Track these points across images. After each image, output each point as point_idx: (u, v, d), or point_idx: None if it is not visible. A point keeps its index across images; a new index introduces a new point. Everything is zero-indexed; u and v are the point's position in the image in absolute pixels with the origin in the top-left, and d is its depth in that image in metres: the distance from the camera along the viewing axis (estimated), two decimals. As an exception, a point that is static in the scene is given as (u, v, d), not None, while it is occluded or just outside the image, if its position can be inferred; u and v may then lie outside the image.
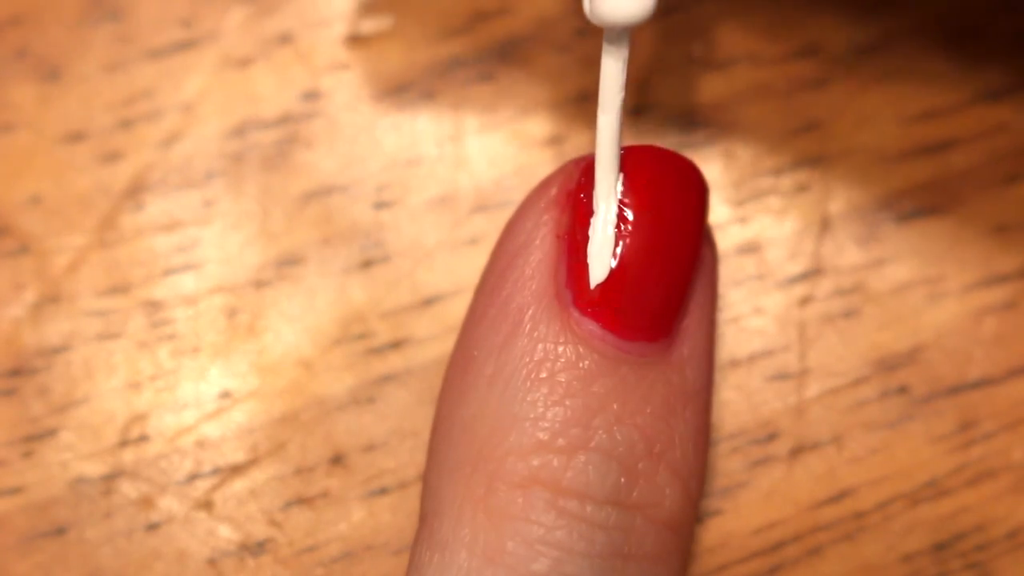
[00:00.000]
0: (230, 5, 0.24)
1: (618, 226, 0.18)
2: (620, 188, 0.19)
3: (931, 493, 0.22)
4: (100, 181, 0.23)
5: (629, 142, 0.23)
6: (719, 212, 0.23)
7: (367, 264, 0.23)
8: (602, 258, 0.18)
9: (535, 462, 0.18)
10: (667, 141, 0.23)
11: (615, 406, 0.18)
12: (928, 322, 0.23)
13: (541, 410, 0.18)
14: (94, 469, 0.22)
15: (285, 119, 0.23)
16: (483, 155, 0.23)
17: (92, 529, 0.22)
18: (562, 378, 0.18)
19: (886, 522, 0.22)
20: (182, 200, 0.23)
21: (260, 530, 0.22)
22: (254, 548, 0.22)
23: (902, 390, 0.22)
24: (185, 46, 0.24)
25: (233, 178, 0.23)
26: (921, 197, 0.23)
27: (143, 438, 0.22)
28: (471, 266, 0.23)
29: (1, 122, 0.23)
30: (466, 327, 0.20)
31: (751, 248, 0.23)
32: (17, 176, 0.23)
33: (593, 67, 0.24)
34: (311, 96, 0.23)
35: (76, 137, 0.23)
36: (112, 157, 0.23)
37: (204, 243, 0.23)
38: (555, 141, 0.23)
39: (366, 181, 0.23)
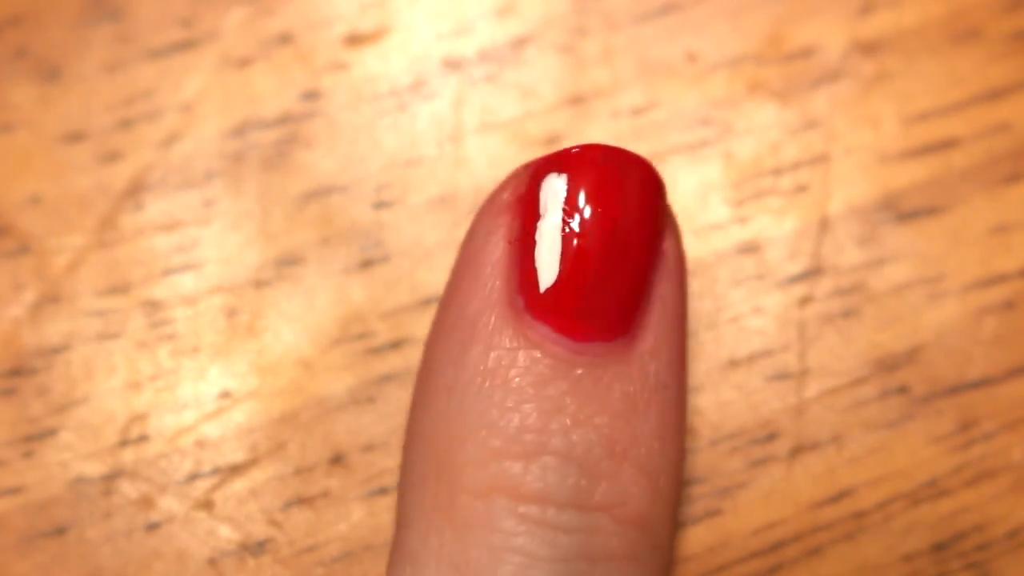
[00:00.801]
0: (230, 5, 0.24)
1: (564, 228, 0.18)
2: (565, 190, 0.19)
3: (931, 493, 0.22)
4: (100, 181, 0.23)
5: (629, 142, 0.23)
6: (719, 212, 0.23)
7: (367, 264, 0.23)
8: (550, 261, 0.18)
9: (494, 470, 0.18)
10: (667, 141, 0.23)
11: (572, 408, 0.18)
12: (928, 322, 0.23)
13: (497, 418, 0.18)
14: (94, 469, 0.22)
15: (285, 119, 0.23)
16: (483, 155, 0.23)
17: (92, 529, 0.22)
18: (517, 384, 0.18)
19: (886, 522, 0.22)
20: (182, 200, 0.23)
21: (260, 530, 0.22)
22: (254, 548, 0.22)
23: (902, 390, 0.22)
24: (185, 46, 0.24)
25: (233, 178, 0.23)
26: (921, 197, 0.23)
27: (143, 438, 0.22)
28: (471, 266, 0.23)
29: (1, 122, 0.23)
30: (428, 337, 0.20)
31: (751, 248, 0.23)
32: (17, 176, 0.23)
33: (593, 67, 0.24)
34: (311, 96, 0.23)
35: (76, 137, 0.23)
36: (112, 157, 0.23)
37: (204, 243, 0.23)
38: (555, 141, 0.23)
39: (366, 181, 0.23)
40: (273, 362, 0.22)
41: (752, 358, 0.23)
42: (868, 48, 0.24)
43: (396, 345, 0.22)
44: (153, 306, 0.22)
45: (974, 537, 0.22)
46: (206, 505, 0.22)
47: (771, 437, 0.22)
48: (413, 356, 0.22)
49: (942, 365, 0.23)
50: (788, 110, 0.23)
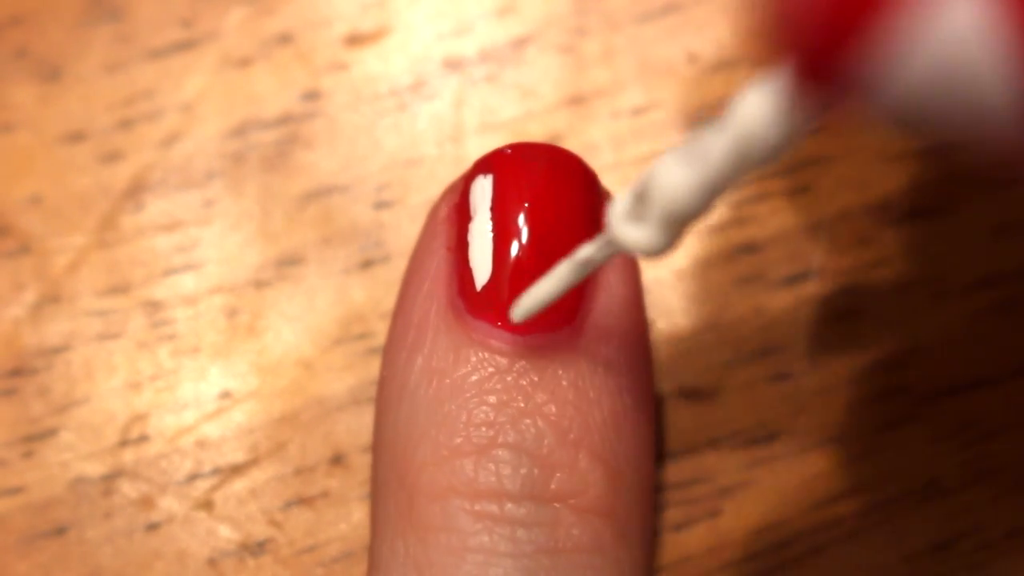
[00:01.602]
0: (230, 5, 0.24)
1: (493, 227, 0.19)
2: (491, 190, 0.19)
3: (931, 493, 0.22)
4: (100, 181, 0.23)
5: (629, 142, 0.23)
6: (719, 212, 0.23)
7: (367, 264, 0.23)
8: (482, 261, 0.19)
9: (447, 470, 0.18)
10: (667, 141, 0.23)
11: (520, 401, 0.18)
12: (928, 322, 0.23)
13: (446, 418, 0.18)
14: (94, 469, 0.22)
15: (285, 119, 0.23)
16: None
17: (92, 529, 0.22)
18: (463, 383, 0.18)
19: (886, 522, 0.22)
20: (182, 200, 0.23)
21: (260, 530, 0.22)
22: (254, 548, 0.22)
23: (902, 390, 0.22)
24: (185, 46, 0.24)
25: (233, 178, 0.23)
26: (921, 197, 0.23)
27: (143, 438, 0.22)
28: (471, 266, 0.23)
29: (1, 122, 0.23)
30: (384, 348, 0.20)
31: (751, 248, 0.23)
32: (17, 176, 0.23)
33: (593, 67, 0.24)
34: (311, 96, 0.23)
35: (76, 137, 0.23)
36: (112, 157, 0.23)
37: (204, 243, 0.23)
38: (555, 141, 0.23)
39: (366, 181, 0.23)
40: (273, 362, 0.22)
41: (752, 358, 0.23)
42: (868, 48, 0.24)
43: (396, 345, 0.22)
44: (153, 306, 0.22)
45: (974, 537, 0.22)
46: (206, 505, 0.22)
47: (771, 437, 0.22)
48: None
49: (942, 365, 0.23)
50: (788, 110, 0.23)
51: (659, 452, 0.22)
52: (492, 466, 0.18)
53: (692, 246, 0.23)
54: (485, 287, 0.19)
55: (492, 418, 0.18)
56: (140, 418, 0.22)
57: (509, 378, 0.18)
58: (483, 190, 0.19)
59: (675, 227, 0.15)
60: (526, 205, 0.19)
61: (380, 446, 0.19)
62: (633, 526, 0.19)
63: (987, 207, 0.23)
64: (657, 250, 0.15)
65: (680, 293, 0.23)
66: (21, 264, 0.23)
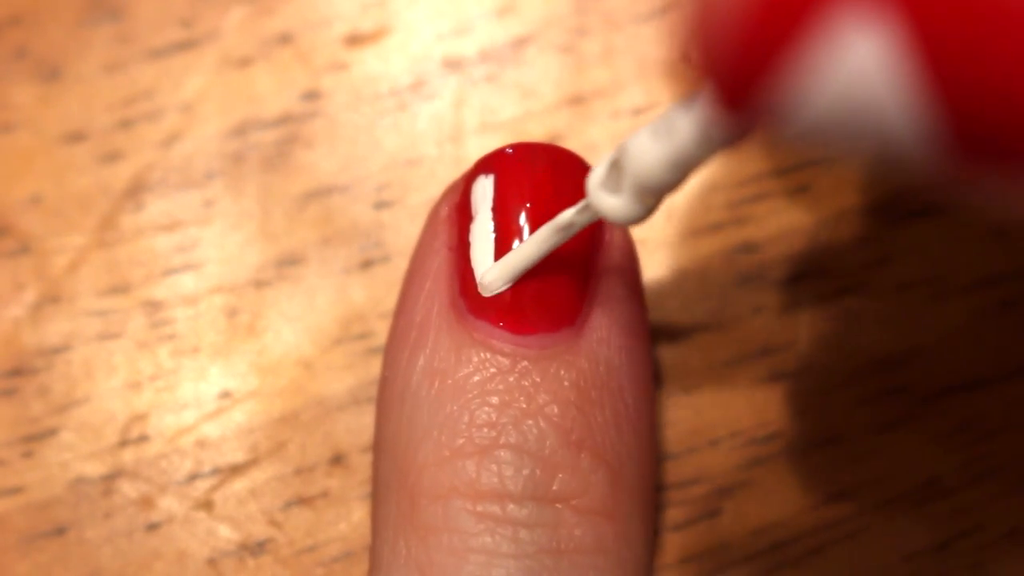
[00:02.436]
0: (230, 5, 0.24)
1: (495, 228, 0.19)
2: (492, 190, 0.19)
3: (931, 493, 0.22)
4: (100, 181, 0.23)
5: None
6: (719, 212, 0.23)
7: (367, 264, 0.23)
8: (484, 262, 0.19)
9: (449, 470, 0.18)
10: (667, 141, 0.23)
11: (522, 401, 0.18)
12: (928, 322, 0.23)
13: (448, 419, 0.18)
14: (94, 469, 0.22)
15: (285, 119, 0.23)
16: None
17: (92, 529, 0.22)
18: (465, 384, 0.18)
19: (886, 522, 0.22)
20: (182, 200, 0.23)
21: (260, 530, 0.22)
22: (254, 548, 0.22)
23: (902, 390, 0.22)
24: (185, 46, 0.24)
25: (233, 178, 0.23)
26: (921, 197, 0.23)
27: (143, 438, 0.22)
28: (471, 266, 0.23)
29: (1, 122, 0.23)
30: (384, 349, 0.20)
31: (751, 248, 0.23)
32: (17, 176, 0.23)
33: (593, 67, 0.24)
34: (311, 96, 0.23)
35: (76, 137, 0.23)
36: (112, 157, 0.23)
37: (204, 243, 0.23)
38: (555, 141, 0.23)
39: (366, 181, 0.23)
40: (273, 362, 0.22)
41: (752, 358, 0.23)
42: (868, 48, 0.24)
43: (396, 345, 0.22)
44: (153, 306, 0.22)
45: (974, 537, 0.22)
46: (206, 505, 0.22)
47: (771, 437, 0.22)
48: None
49: (942, 365, 0.23)
50: (788, 110, 0.23)
51: (659, 452, 0.22)
52: (494, 467, 0.18)
53: (693, 246, 0.23)
54: None
55: (494, 419, 0.18)
56: (140, 418, 0.22)
57: (511, 379, 0.18)
58: (484, 190, 0.19)
59: (647, 198, 0.16)
60: (527, 205, 0.19)
61: (381, 446, 0.19)
62: (635, 526, 0.19)
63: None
64: (630, 218, 0.16)
65: (680, 293, 0.23)
66: (21, 264, 0.23)
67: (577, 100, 0.23)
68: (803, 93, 0.12)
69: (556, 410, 0.18)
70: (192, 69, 0.23)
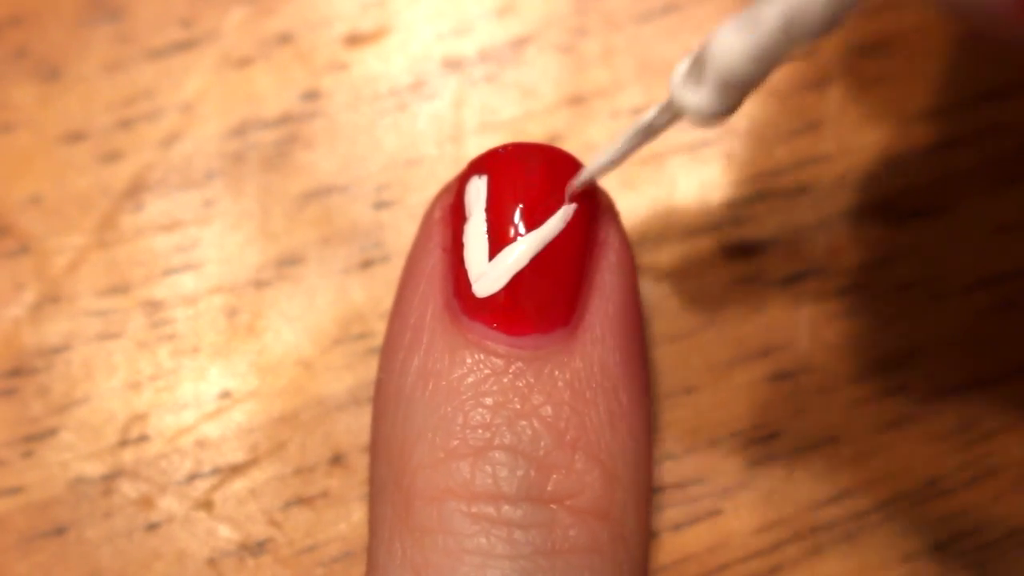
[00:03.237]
0: (230, 5, 0.24)
1: (488, 229, 0.19)
2: (485, 191, 0.19)
3: (931, 493, 0.22)
4: (100, 181, 0.23)
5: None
6: (719, 212, 0.23)
7: (367, 264, 0.23)
8: (477, 261, 0.19)
9: (443, 472, 0.18)
10: (667, 141, 0.23)
11: (516, 402, 0.18)
12: (928, 322, 0.23)
13: (442, 420, 0.18)
14: (94, 469, 0.22)
15: (285, 119, 0.23)
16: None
17: (92, 529, 0.22)
18: (459, 385, 0.19)
19: (886, 522, 0.22)
20: (182, 200, 0.23)
21: (260, 530, 0.22)
22: (254, 548, 0.22)
23: (902, 390, 0.22)
24: (185, 46, 0.24)
25: (233, 178, 0.23)
26: (921, 197, 0.23)
27: (143, 438, 0.22)
28: (471, 266, 0.23)
29: (1, 122, 0.23)
30: (381, 350, 0.20)
31: (751, 248, 0.23)
32: (17, 176, 0.23)
33: (593, 67, 0.24)
34: (311, 96, 0.23)
35: (76, 137, 0.23)
36: (112, 157, 0.23)
37: (204, 243, 0.23)
38: (555, 141, 0.23)
39: (366, 181, 0.23)
40: (273, 362, 0.22)
41: (752, 358, 0.23)
42: (868, 48, 0.24)
43: (396, 345, 0.22)
44: (153, 306, 0.22)
45: (974, 537, 0.22)
46: (206, 505, 0.22)
47: (771, 437, 0.22)
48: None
49: (942, 365, 0.23)
50: (788, 110, 0.23)
51: (659, 452, 0.22)
52: (489, 468, 0.18)
53: (692, 246, 0.23)
54: None
55: (488, 420, 0.18)
56: (140, 418, 0.22)
57: (505, 380, 0.18)
58: (478, 191, 0.19)
59: (730, 92, 0.16)
60: (521, 205, 0.19)
61: (377, 447, 0.19)
62: (630, 527, 0.19)
63: (987, 207, 0.23)
64: (713, 112, 0.16)
65: (679, 293, 0.23)
66: (21, 264, 0.23)
67: (577, 100, 0.23)
68: None
69: (550, 411, 0.18)
70: (192, 69, 0.23)
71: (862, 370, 0.23)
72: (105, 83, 0.23)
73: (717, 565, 0.22)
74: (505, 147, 0.19)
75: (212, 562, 0.22)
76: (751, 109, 0.23)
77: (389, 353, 0.20)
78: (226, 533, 0.22)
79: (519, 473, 0.18)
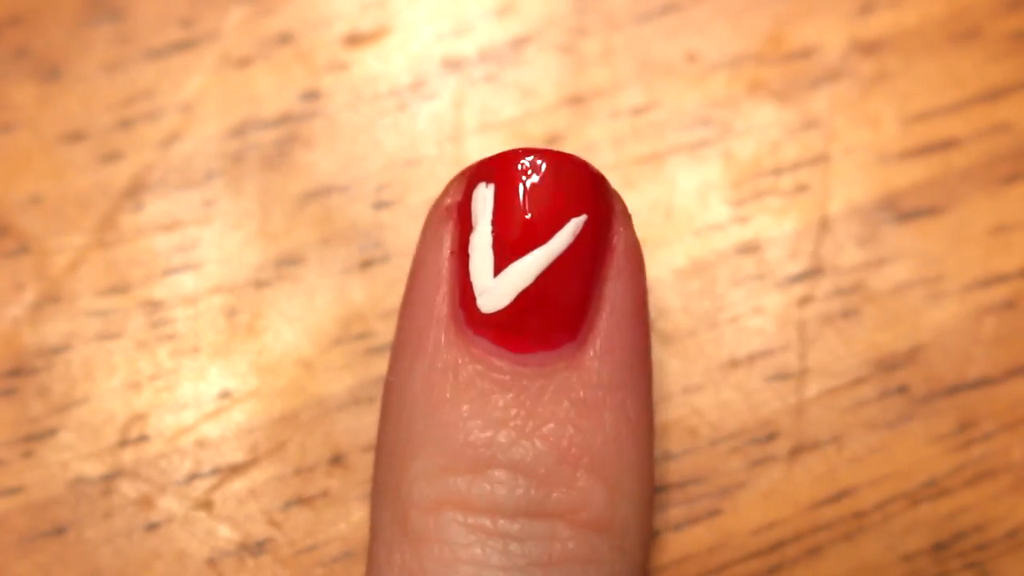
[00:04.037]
0: (230, 5, 0.24)
1: (494, 241, 0.18)
2: (492, 200, 0.18)
3: (931, 493, 0.22)
4: (100, 181, 0.23)
5: (629, 142, 0.23)
6: (719, 212, 0.23)
7: (367, 264, 0.23)
8: (483, 273, 0.18)
9: (440, 486, 0.18)
10: (667, 141, 0.23)
11: (519, 420, 0.18)
12: (928, 322, 0.23)
13: (443, 434, 0.18)
14: (94, 469, 0.22)
15: (285, 119, 0.23)
16: (483, 155, 0.23)
17: (92, 529, 0.22)
18: (461, 399, 0.18)
19: (886, 522, 0.22)
20: (182, 200, 0.23)
21: (260, 530, 0.22)
22: (254, 548, 0.22)
23: (902, 390, 0.22)
24: (185, 46, 0.24)
25: (233, 178, 0.23)
26: (921, 197, 0.23)
27: (143, 438, 0.22)
28: (471, 266, 0.23)
29: (1, 122, 0.23)
30: (391, 351, 0.20)
31: (751, 248, 0.23)
32: (17, 176, 0.23)
33: (593, 67, 0.24)
34: (311, 96, 0.23)
35: (76, 137, 0.23)
36: (112, 157, 0.23)
37: (204, 243, 0.23)
38: (555, 141, 0.23)
39: (366, 181, 0.23)
40: (273, 362, 0.22)
41: (752, 358, 0.23)
42: (868, 48, 0.24)
43: (396, 345, 0.22)
44: (153, 306, 0.22)
45: (974, 537, 0.22)
46: (206, 505, 0.22)
47: (771, 437, 0.22)
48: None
49: (942, 365, 0.23)
50: (788, 110, 0.23)
51: (659, 452, 0.22)
52: (487, 486, 0.18)
53: (692, 246, 0.23)
54: None
55: (490, 437, 0.18)
56: (140, 418, 0.22)
57: (510, 396, 0.18)
58: (484, 200, 0.18)
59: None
60: (528, 216, 0.18)
61: (380, 451, 0.19)
62: (631, 539, 0.19)
63: (987, 207, 0.23)
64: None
65: (680, 293, 0.23)
66: (21, 264, 0.23)
67: (577, 100, 0.23)
68: None
69: (554, 427, 0.18)
70: (192, 69, 0.23)
71: (862, 370, 0.23)
72: (105, 83, 0.23)
73: (717, 565, 0.22)
74: (514, 152, 0.18)
75: (212, 562, 0.22)
76: (751, 109, 0.23)
77: (396, 355, 0.19)
78: (226, 533, 0.22)
79: (518, 492, 0.18)
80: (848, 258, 0.23)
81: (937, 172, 0.23)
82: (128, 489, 0.22)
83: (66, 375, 0.22)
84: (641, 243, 0.22)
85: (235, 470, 0.22)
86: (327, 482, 0.22)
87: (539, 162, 0.18)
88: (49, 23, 0.24)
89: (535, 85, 0.24)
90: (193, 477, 0.22)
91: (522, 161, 0.18)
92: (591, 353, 0.19)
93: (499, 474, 0.18)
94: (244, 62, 0.24)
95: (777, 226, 0.23)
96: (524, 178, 0.18)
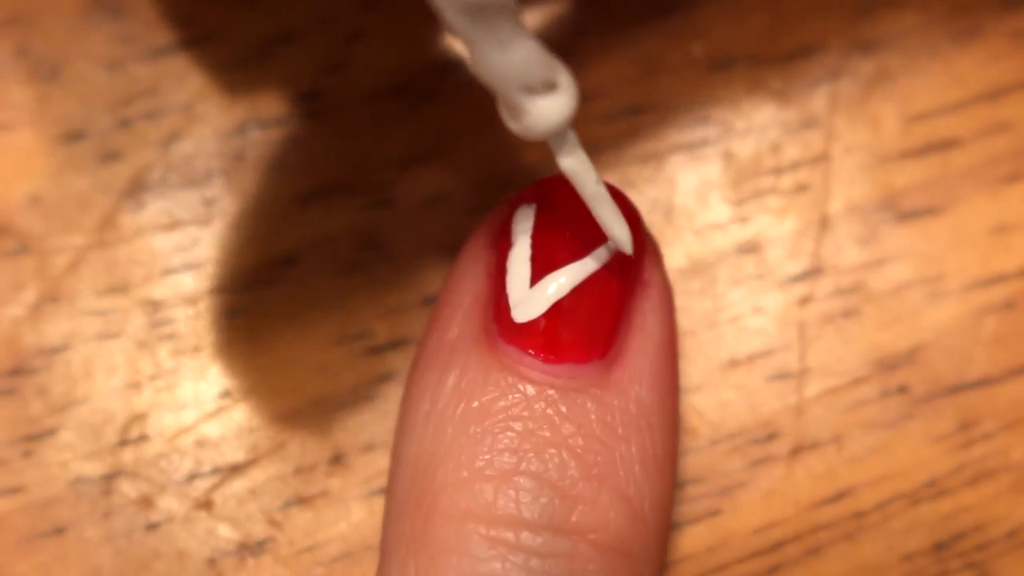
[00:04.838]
0: (230, 5, 0.24)
1: (533, 256, 0.19)
2: (532, 219, 0.19)
3: (931, 493, 0.22)
4: (100, 181, 0.23)
5: (628, 142, 0.23)
6: (719, 212, 0.23)
7: (367, 264, 0.23)
8: (520, 286, 0.19)
9: (467, 494, 0.18)
10: (666, 142, 0.23)
11: (547, 430, 0.18)
12: (928, 322, 0.23)
13: (471, 442, 0.18)
14: (94, 469, 0.22)
15: (285, 119, 0.23)
16: (483, 155, 0.23)
17: (92, 529, 0.22)
18: (492, 409, 0.18)
19: (886, 522, 0.22)
20: (182, 199, 0.23)
21: (260, 530, 0.22)
22: (254, 548, 0.22)
23: (902, 390, 0.23)
24: (185, 46, 0.24)
25: (233, 177, 0.23)
26: (921, 197, 0.23)
27: (143, 438, 0.22)
28: (471, 266, 0.23)
29: (1, 122, 0.23)
30: (411, 365, 0.20)
31: (751, 248, 0.23)
32: (17, 176, 0.23)
33: (594, 67, 0.24)
34: (311, 96, 0.23)
35: (76, 137, 0.23)
36: (112, 157, 0.23)
37: (204, 243, 0.23)
38: (555, 141, 0.23)
39: (366, 181, 0.23)
40: (273, 362, 0.22)
41: (752, 358, 0.23)
42: (868, 48, 0.24)
43: (396, 345, 0.22)
44: (153, 306, 0.22)
45: (974, 537, 0.22)
46: (206, 505, 0.22)
47: (771, 437, 0.22)
48: (413, 356, 0.22)
49: (942, 365, 0.23)
50: (788, 110, 0.23)
51: (659, 452, 0.22)
52: (512, 493, 0.18)
53: (692, 246, 0.23)
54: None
55: (517, 445, 0.18)
56: (140, 418, 0.22)
57: (537, 406, 0.18)
58: (526, 218, 0.19)
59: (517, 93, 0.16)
60: (568, 234, 0.19)
61: (401, 463, 0.19)
62: (650, 568, 0.19)
63: (987, 207, 0.23)
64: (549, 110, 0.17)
65: (680, 293, 0.23)
66: (21, 264, 0.23)
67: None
68: None
69: (580, 442, 0.18)
70: (192, 69, 0.23)
71: (862, 370, 0.23)
72: (105, 83, 0.23)
73: (717, 565, 0.22)
74: (556, 177, 0.19)
75: (212, 562, 0.22)
76: (751, 109, 0.23)
77: (423, 370, 0.19)
78: (226, 533, 0.22)
79: (543, 501, 0.18)
80: (848, 258, 0.23)
81: (937, 172, 0.23)
82: (128, 489, 0.22)
83: (66, 375, 0.22)
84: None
85: (235, 470, 0.22)
86: (327, 482, 0.22)
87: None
88: (49, 23, 0.24)
89: (535, 85, 0.24)
90: (193, 477, 0.22)
91: (564, 184, 0.19)
92: (620, 374, 0.19)
93: (525, 482, 0.18)
94: (244, 62, 0.24)
95: (777, 226, 0.23)
96: (565, 199, 0.19)
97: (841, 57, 0.24)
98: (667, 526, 0.19)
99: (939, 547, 0.22)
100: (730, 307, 0.23)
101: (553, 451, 0.18)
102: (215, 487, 0.22)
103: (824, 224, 0.23)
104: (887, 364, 0.23)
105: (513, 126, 0.17)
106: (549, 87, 0.16)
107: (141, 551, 0.22)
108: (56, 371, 0.22)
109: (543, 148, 0.23)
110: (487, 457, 0.18)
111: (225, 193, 0.23)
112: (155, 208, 0.23)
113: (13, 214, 0.23)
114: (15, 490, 0.22)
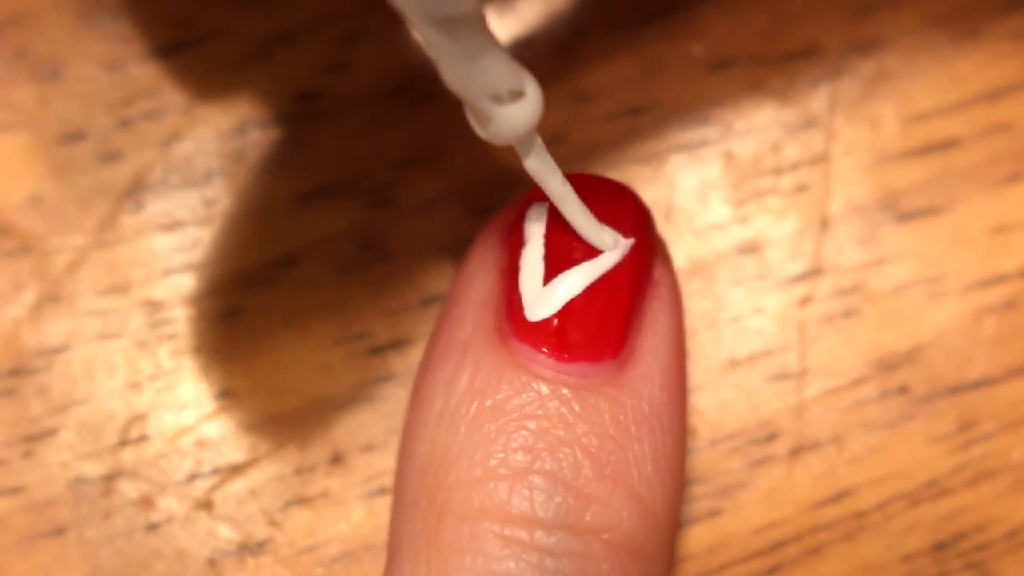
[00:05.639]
0: (230, 5, 0.24)
1: (546, 255, 0.19)
2: (546, 217, 0.19)
3: (931, 493, 0.22)
4: (100, 181, 0.23)
5: (628, 142, 0.23)
6: (719, 212, 0.23)
7: (367, 264, 0.23)
8: (532, 286, 0.19)
9: (481, 492, 0.18)
10: (666, 142, 0.23)
11: (560, 429, 0.18)
12: (928, 322, 0.23)
13: (485, 440, 0.18)
14: (94, 469, 0.22)
15: (285, 119, 0.23)
16: (483, 155, 0.23)
17: (92, 529, 0.22)
18: (506, 408, 0.18)
19: (886, 522, 0.22)
20: (182, 200, 0.23)
21: (260, 530, 0.22)
22: (254, 548, 0.22)
23: (902, 390, 0.23)
24: (185, 46, 0.24)
25: (233, 178, 0.23)
26: (921, 197, 0.23)
27: (143, 438, 0.22)
28: (471, 266, 0.23)
29: (1, 122, 0.23)
30: (421, 364, 0.20)
31: (751, 248, 0.23)
32: (17, 176, 0.23)
33: (594, 67, 0.24)
34: (311, 96, 0.23)
35: (76, 137, 0.23)
36: (112, 157, 0.23)
37: (204, 243, 0.23)
38: (555, 140, 0.23)
39: (366, 181, 0.23)
40: (273, 362, 0.22)
41: (752, 358, 0.23)
42: (868, 48, 0.24)
43: (396, 345, 0.22)
44: (153, 306, 0.22)
45: (974, 537, 0.22)
46: (206, 505, 0.22)
47: (771, 437, 0.22)
48: (413, 356, 0.22)
49: (942, 365, 0.23)
50: (788, 110, 0.23)
51: (659, 452, 0.22)
52: (526, 491, 0.18)
53: (692, 246, 0.23)
54: None
55: (530, 443, 0.18)
56: (140, 418, 0.22)
57: (551, 405, 0.18)
58: (538, 217, 0.19)
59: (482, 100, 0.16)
60: (578, 239, 0.19)
61: (411, 463, 0.19)
62: (660, 568, 0.19)
63: (987, 207, 0.23)
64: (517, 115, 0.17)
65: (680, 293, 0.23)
66: (21, 264, 0.23)
67: (577, 100, 0.23)
68: None
69: (594, 441, 0.18)
70: (192, 69, 0.23)
71: (862, 370, 0.23)
72: (105, 83, 0.23)
73: (717, 565, 0.22)
74: (571, 175, 0.19)
75: (212, 562, 0.22)
76: (751, 109, 0.23)
77: (433, 369, 0.19)
78: (226, 533, 0.22)
79: (557, 499, 0.18)
80: (848, 258, 0.23)
81: (937, 172, 0.23)
82: (128, 489, 0.22)
83: (66, 375, 0.22)
84: (641, 243, 0.22)
85: (235, 470, 0.22)
86: (327, 482, 0.22)
87: (592, 186, 0.19)
88: (49, 23, 0.24)
89: (535, 85, 0.24)
90: (193, 477, 0.22)
91: (577, 184, 0.19)
92: (633, 374, 0.19)
93: (539, 481, 0.18)
94: (244, 61, 0.24)
95: (777, 226, 0.23)
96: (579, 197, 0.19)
97: (841, 57, 0.24)
98: (677, 525, 0.19)
99: (939, 547, 0.22)
100: (730, 307, 0.23)
101: (567, 450, 0.18)
102: (215, 487, 0.22)
103: (824, 224, 0.23)
104: (887, 364, 0.23)
105: (481, 132, 0.17)
106: (516, 96, 0.17)
107: (141, 551, 0.22)
108: (56, 371, 0.22)
109: (543, 148, 0.23)
110: (501, 455, 0.18)
111: (225, 193, 0.23)
112: (155, 208, 0.23)
113: (13, 214, 0.23)
114: (15, 490, 0.22)
